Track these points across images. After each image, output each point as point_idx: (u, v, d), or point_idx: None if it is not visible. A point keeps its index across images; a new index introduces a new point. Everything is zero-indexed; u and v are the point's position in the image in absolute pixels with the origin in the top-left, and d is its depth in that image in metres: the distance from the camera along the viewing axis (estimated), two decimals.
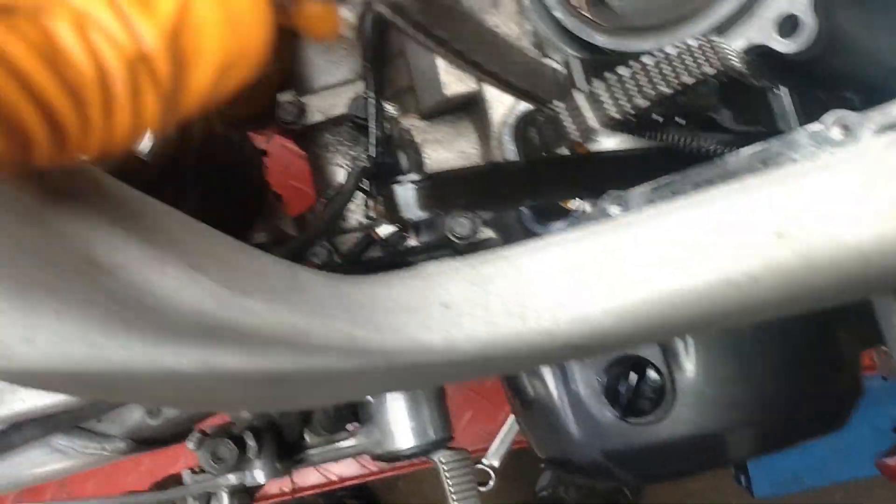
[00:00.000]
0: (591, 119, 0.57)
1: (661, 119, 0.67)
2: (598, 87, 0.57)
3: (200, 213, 0.90)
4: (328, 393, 0.71)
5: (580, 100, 0.56)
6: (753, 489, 2.56)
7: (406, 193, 0.83)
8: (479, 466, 2.12)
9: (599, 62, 0.62)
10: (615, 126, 0.58)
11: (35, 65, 0.30)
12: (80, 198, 0.49)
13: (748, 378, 1.00)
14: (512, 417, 2.12)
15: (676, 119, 0.68)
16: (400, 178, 0.81)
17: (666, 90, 0.60)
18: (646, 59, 0.60)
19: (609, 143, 1.02)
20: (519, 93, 0.52)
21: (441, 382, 1.09)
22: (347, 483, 2.20)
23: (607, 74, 0.58)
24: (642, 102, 0.58)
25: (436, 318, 0.59)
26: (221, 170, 0.94)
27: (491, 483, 2.11)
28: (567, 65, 0.60)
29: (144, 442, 1.20)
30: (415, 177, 0.82)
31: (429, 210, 0.83)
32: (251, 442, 1.02)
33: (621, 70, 0.58)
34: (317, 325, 0.56)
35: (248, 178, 1.05)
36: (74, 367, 0.56)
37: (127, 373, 0.57)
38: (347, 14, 0.40)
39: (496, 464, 2.10)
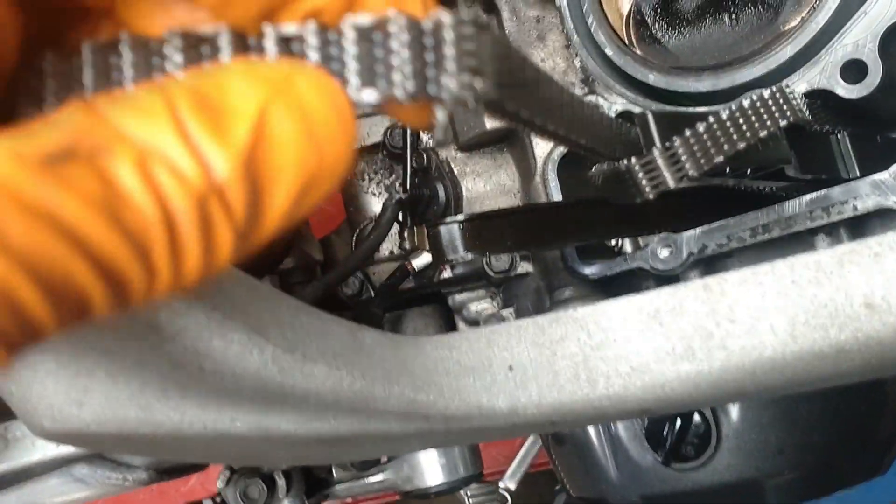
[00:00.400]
0: (669, 178, 0.54)
1: (728, 171, 0.64)
2: (676, 144, 0.55)
3: None
4: (381, 450, 0.68)
5: (658, 157, 0.54)
6: None
7: (452, 234, 0.80)
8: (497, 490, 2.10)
9: (671, 116, 0.59)
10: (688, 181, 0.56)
11: (91, 221, 0.26)
12: None
13: (792, 424, 0.97)
14: (530, 441, 2.09)
15: (747, 172, 0.66)
16: (447, 219, 0.78)
17: (742, 145, 0.57)
18: (721, 113, 0.58)
19: None
20: (595, 153, 0.50)
21: (497, 440, 1.07)
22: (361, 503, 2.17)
23: (686, 132, 0.55)
24: (719, 159, 0.55)
25: (501, 382, 0.56)
26: None
27: None
28: (643, 119, 0.57)
29: (166, 472, 1.18)
30: (460, 217, 0.80)
31: (474, 251, 0.81)
32: (281, 481, 0.99)
33: (699, 126, 0.56)
34: (378, 390, 0.53)
35: None
36: (124, 429, 0.54)
37: (177, 435, 0.54)
38: (441, 116, 0.37)
39: (513, 487, 2.08)
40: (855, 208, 0.77)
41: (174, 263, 0.29)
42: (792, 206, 0.80)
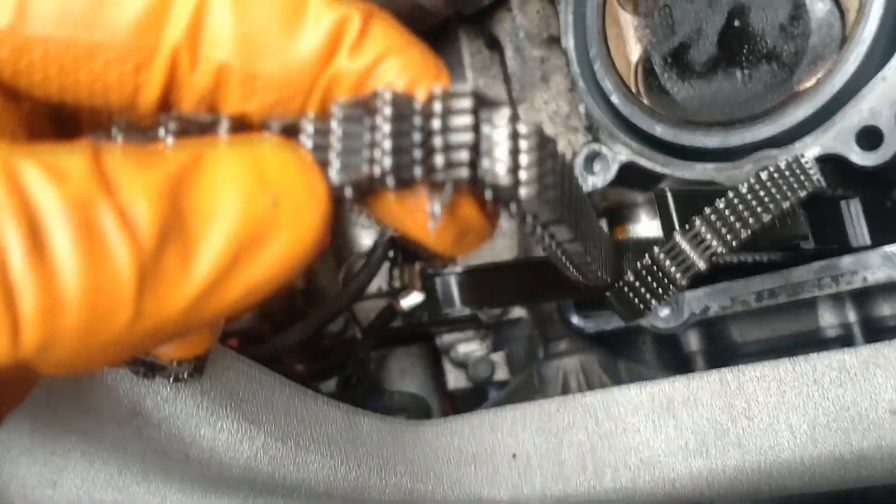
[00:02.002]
0: (698, 260, 0.51)
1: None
2: (697, 224, 0.52)
3: None
4: None
5: (681, 241, 0.51)
6: None
7: (448, 287, 0.77)
8: None
9: (689, 194, 0.56)
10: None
11: None
12: None
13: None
14: None
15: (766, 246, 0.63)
16: (444, 270, 0.75)
17: (767, 217, 0.55)
18: (741, 188, 0.55)
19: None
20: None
21: None
22: None
23: (706, 209, 0.53)
24: (747, 234, 0.53)
25: (503, 472, 0.53)
26: None
27: None
28: (662, 199, 0.55)
29: None
30: (457, 269, 0.77)
31: (471, 305, 0.78)
32: None
33: (718, 202, 0.53)
34: (374, 480, 0.50)
35: None
36: None
37: None
38: (436, 206, 0.33)
39: None
40: (865, 280, 0.75)
41: (35, 285, 0.23)
42: (800, 273, 0.78)
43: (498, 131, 0.31)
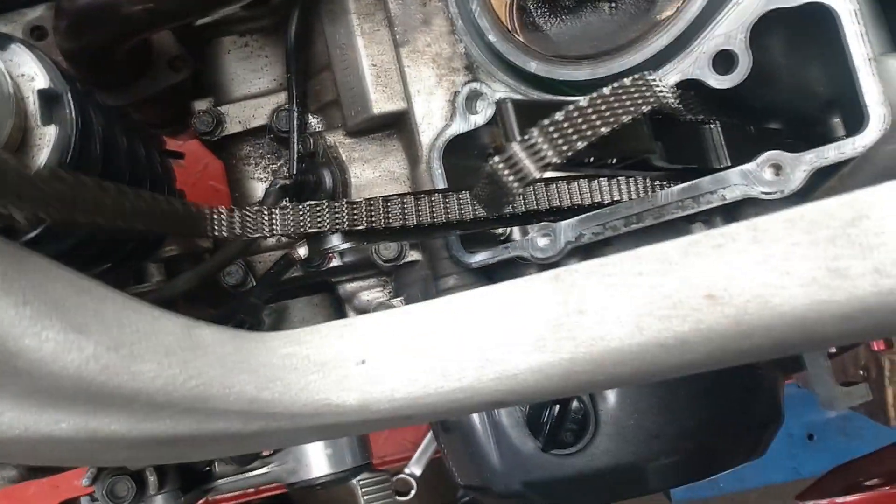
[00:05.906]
0: (532, 167, 0.53)
1: (592, 160, 0.64)
2: (535, 134, 0.54)
3: (100, 244, 0.84)
4: (227, 449, 0.66)
5: (518, 150, 0.53)
6: (671, 494, 2.60)
7: None
8: (402, 476, 2.09)
9: (531, 105, 0.58)
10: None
11: None
12: None
13: (668, 408, 0.99)
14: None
15: (609, 161, 0.65)
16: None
17: (604, 130, 0.56)
18: (581, 101, 0.57)
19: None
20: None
21: (353, 435, 1.05)
22: (264, 494, 2.13)
23: (542, 121, 0.54)
24: (581, 145, 0.54)
25: (352, 376, 0.55)
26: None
27: (412, 492, 2.08)
28: (502, 109, 0.56)
29: (39, 469, 1.12)
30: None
31: (353, 240, 0.78)
32: (152, 477, 0.95)
33: (556, 115, 0.55)
34: (215, 389, 0.51)
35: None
36: None
37: None
38: None
39: (418, 472, 2.07)
40: (723, 198, 0.78)
41: None
42: (664, 195, 0.80)
43: None
